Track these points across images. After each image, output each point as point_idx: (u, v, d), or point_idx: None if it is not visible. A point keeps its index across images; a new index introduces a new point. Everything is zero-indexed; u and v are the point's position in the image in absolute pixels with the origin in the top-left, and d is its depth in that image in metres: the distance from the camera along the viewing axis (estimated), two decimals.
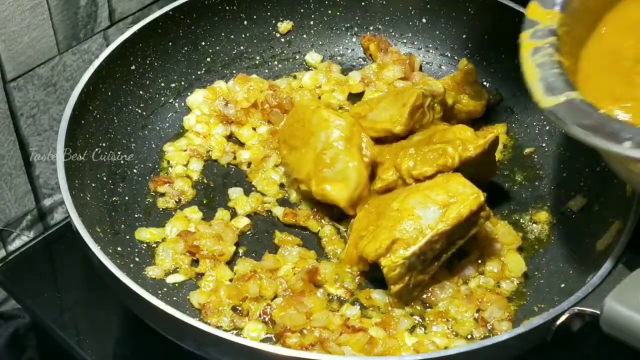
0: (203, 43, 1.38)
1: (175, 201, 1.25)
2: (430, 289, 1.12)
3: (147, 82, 1.33)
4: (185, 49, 1.36)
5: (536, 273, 1.16)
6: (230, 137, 1.33)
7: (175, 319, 0.98)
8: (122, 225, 1.20)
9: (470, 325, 1.10)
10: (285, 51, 1.43)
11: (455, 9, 1.39)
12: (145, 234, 1.20)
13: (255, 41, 1.42)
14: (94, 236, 1.07)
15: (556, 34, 1.00)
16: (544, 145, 1.29)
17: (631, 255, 1.03)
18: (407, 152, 1.17)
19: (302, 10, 1.43)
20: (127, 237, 1.19)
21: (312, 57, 1.43)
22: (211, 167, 1.29)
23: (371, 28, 1.44)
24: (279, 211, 1.23)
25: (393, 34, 1.44)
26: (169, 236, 1.19)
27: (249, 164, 1.29)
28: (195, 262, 1.17)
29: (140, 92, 1.32)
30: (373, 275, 1.14)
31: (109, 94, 1.26)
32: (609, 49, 1.03)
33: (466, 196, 1.09)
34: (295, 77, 1.41)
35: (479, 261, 1.16)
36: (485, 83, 1.37)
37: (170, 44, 1.34)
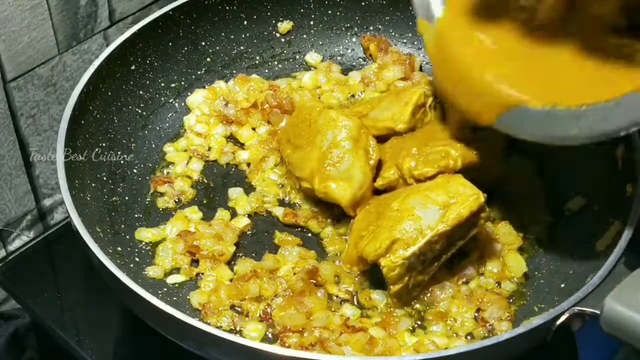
0: (203, 43, 1.38)
1: (175, 201, 1.25)
2: (430, 289, 1.12)
3: (147, 82, 1.33)
4: (185, 49, 1.36)
5: (536, 273, 1.16)
6: (230, 137, 1.33)
7: (175, 319, 0.98)
8: (122, 225, 1.20)
9: (470, 325, 1.10)
10: (285, 51, 1.43)
11: None
12: (145, 234, 1.20)
13: (255, 41, 1.42)
14: (94, 236, 1.07)
15: None
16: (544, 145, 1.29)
17: (631, 255, 1.03)
18: (409, 152, 1.17)
19: (302, 10, 1.43)
20: (127, 237, 1.19)
21: (312, 57, 1.43)
22: (211, 167, 1.29)
23: (371, 28, 1.44)
24: (279, 211, 1.23)
25: (393, 34, 1.44)
26: (169, 236, 1.19)
27: (249, 164, 1.29)
28: (195, 262, 1.17)
29: (140, 92, 1.32)
30: (373, 276, 1.14)
31: (109, 94, 1.26)
32: None
33: (466, 197, 1.09)
34: (295, 77, 1.41)
35: (479, 261, 1.16)
36: None
37: (170, 44, 1.34)
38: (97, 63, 1.23)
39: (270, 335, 1.09)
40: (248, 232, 1.21)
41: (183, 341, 1.03)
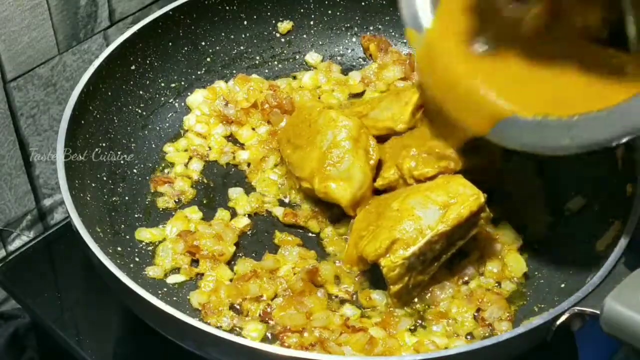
0: (203, 43, 1.38)
1: (175, 201, 1.25)
2: (430, 289, 1.12)
3: (147, 82, 1.33)
4: (185, 49, 1.36)
5: (536, 273, 1.16)
6: (230, 137, 1.33)
7: (175, 319, 0.98)
8: (122, 225, 1.20)
9: (470, 325, 1.10)
10: (285, 51, 1.43)
11: None
12: (145, 234, 1.20)
13: (255, 41, 1.42)
14: (94, 236, 1.07)
15: None
16: None
17: (631, 255, 1.03)
18: (409, 152, 1.17)
19: (302, 10, 1.43)
20: (127, 237, 1.19)
21: (312, 57, 1.43)
22: (211, 167, 1.29)
23: (371, 28, 1.44)
24: (279, 211, 1.23)
25: (393, 34, 1.44)
26: (169, 236, 1.19)
27: (249, 164, 1.29)
28: (195, 262, 1.17)
29: (140, 92, 1.32)
30: (373, 276, 1.14)
31: (109, 94, 1.26)
32: None
33: (466, 197, 1.09)
34: (295, 77, 1.41)
35: (479, 261, 1.16)
36: None
37: (170, 44, 1.34)
38: (97, 63, 1.23)
39: (270, 335, 1.09)
40: (248, 232, 1.21)
41: (183, 341, 1.03)
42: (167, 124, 1.34)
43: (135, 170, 1.27)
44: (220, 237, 1.17)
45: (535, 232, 1.20)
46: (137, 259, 1.17)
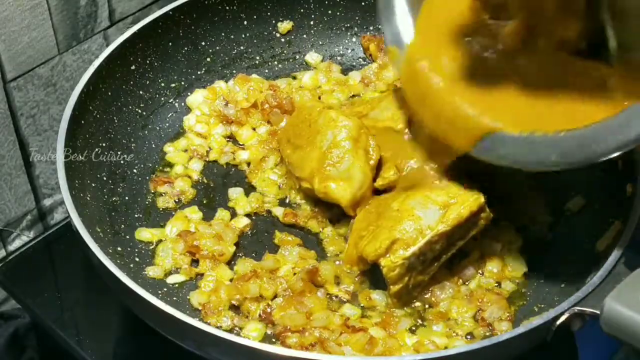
0: (203, 43, 1.38)
1: (175, 201, 1.25)
2: (430, 289, 1.12)
3: (147, 82, 1.33)
4: (185, 49, 1.36)
5: (536, 273, 1.16)
6: (230, 137, 1.33)
7: (175, 319, 0.98)
8: (122, 225, 1.20)
9: (470, 325, 1.10)
10: (285, 51, 1.43)
11: None
12: (145, 234, 1.20)
13: (255, 41, 1.42)
14: (94, 236, 1.07)
15: None
16: None
17: (631, 255, 1.03)
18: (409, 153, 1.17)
19: (302, 10, 1.43)
20: (127, 237, 1.19)
21: (312, 57, 1.43)
22: (211, 167, 1.29)
23: (371, 28, 1.44)
24: (279, 211, 1.23)
25: None
26: (169, 236, 1.19)
27: (249, 164, 1.29)
28: (195, 262, 1.17)
29: (140, 92, 1.32)
30: (373, 276, 1.14)
31: (109, 94, 1.26)
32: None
33: (466, 197, 1.09)
34: (295, 77, 1.41)
35: (479, 261, 1.16)
36: None
37: (170, 44, 1.34)
38: (97, 63, 1.23)
39: (270, 335, 1.09)
40: (248, 232, 1.21)
41: (183, 341, 1.03)
42: (167, 124, 1.34)
43: (135, 170, 1.27)
44: (220, 237, 1.17)
45: (535, 232, 1.20)
46: (137, 259, 1.17)
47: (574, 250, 1.14)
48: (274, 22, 1.43)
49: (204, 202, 1.25)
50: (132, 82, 1.30)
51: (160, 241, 1.19)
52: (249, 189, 1.26)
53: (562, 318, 0.99)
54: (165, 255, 1.17)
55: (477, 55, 1.07)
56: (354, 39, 1.45)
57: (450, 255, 1.11)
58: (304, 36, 1.44)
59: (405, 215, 1.09)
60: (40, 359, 1.36)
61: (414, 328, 1.10)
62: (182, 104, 1.36)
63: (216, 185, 1.27)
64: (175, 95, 1.36)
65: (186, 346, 1.03)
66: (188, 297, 1.13)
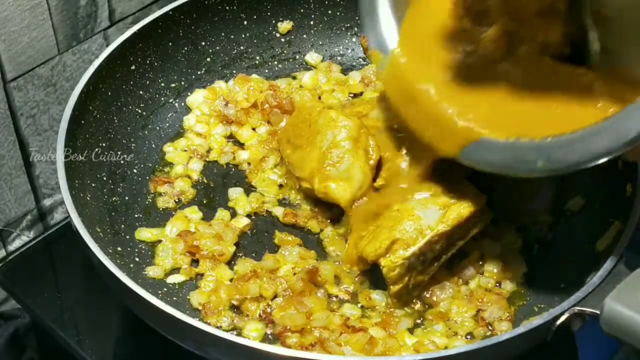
0: (203, 43, 1.38)
1: (175, 201, 1.25)
2: (430, 289, 1.12)
3: (147, 82, 1.33)
4: (185, 49, 1.36)
5: (536, 273, 1.16)
6: (230, 137, 1.33)
7: (175, 319, 0.98)
8: (122, 225, 1.20)
9: (470, 325, 1.10)
10: (285, 51, 1.43)
11: None
12: (145, 234, 1.20)
13: (255, 41, 1.42)
14: (94, 236, 1.07)
15: None
16: None
17: (631, 255, 1.03)
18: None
19: (302, 10, 1.43)
20: (127, 237, 1.19)
21: (312, 57, 1.43)
22: (211, 167, 1.30)
23: None
24: (279, 211, 1.23)
25: None
26: (169, 236, 1.19)
27: (249, 164, 1.29)
28: (195, 262, 1.17)
29: (140, 92, 1.32)
30: (373, 276, 1.14)
31: (109, 94, 1.26)
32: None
33: (466, 197, 1.09)
34: (295, 77, 1.41)
35: (479, 261, 1.16)
36: None
37: (170, 44, 1.34)
38: (97, 63, 1.23)
39: (270, 335, 1.09)
40: (248, 232, 1.21)
41: (183, 341, 1.03)
42: (167, 124, 1.34)
43: (135, 170, 1.27)
44: (220, 237, 1.17)
45: (535, 232, 1.20)
46: (137, 259, 1.17)
47: (574, 250, 1.14)
48: (274, 22, 1.43)
49: (204, 202, 1.25)
50: (132, 82, 1.30)
51: (160, 241, 1.19)
52: (249, 189, 1.26)
53: (562, 318, 0.99)
54: (165, 255, 1.17)
55: (462, 61, 1.07)
56: (354, 39, 1.45)
57: (450, 255, 1.11)
58: (304, 36, 1.44)
59: (406, 215, 1.09)
60: (40, 359, 1.36)
61: (413, 328, 1.10)
62: (182, 104, 1.36)
63: (216, 185, 1.27)
64: (175, 95, 1.36)
65: (186, 346, 1.03)
66: (188, 297, 1.13)
